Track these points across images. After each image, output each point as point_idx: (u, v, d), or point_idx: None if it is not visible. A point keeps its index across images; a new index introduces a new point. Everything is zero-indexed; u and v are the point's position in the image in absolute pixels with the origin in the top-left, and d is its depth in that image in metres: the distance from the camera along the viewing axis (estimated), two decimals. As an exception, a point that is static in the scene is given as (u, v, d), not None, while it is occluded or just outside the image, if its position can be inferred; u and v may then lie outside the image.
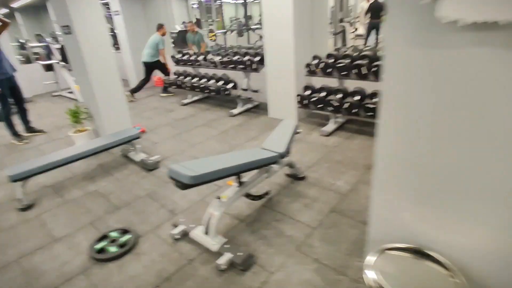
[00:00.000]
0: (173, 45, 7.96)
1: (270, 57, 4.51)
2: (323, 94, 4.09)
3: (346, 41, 10.35)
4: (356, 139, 3.95)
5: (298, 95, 4.19)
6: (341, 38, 10.42)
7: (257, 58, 4.77)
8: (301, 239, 2.36)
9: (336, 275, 2.04)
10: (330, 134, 4.13)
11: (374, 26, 9.47)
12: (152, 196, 3.03)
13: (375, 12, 9.42)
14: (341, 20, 10.24)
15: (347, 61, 3.87)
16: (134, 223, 2.66)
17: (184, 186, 1.94)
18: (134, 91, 6.65)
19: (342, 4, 9.99)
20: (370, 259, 1.30)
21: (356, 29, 10.51)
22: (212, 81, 5.32)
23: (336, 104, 3.84)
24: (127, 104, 4.27)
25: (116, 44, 7.84)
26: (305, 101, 4.15)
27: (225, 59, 5.09)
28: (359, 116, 3.81)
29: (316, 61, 4.20)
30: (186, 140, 4.34)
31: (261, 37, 11.37)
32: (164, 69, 6.46)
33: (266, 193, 2.78)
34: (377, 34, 9.63)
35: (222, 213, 2.28)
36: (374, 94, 3.76)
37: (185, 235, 2.44)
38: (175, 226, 2.48)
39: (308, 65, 4.14)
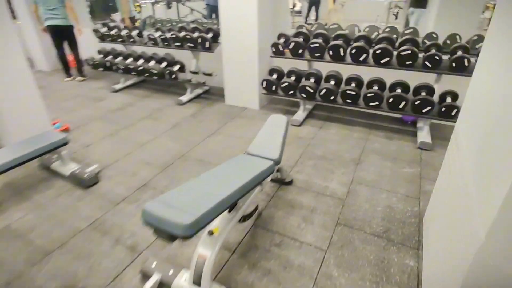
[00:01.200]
0: (90, 16, 6.50)
1: (228, 34, 3.79)
2: (293, 78, 3.58)
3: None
4: (331, 128, 3.59)
5: (264, 80, 3.61)
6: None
7: (210, 35, 4.00)
8: (315, 269, 1.88)
9: (373, 316, 1.63)
10: (301, 123, 3.69)
11: (314, 2, 9.23)
12: (99, 227, 2.20)
13: None
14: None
15: (320, 40, 3.40)
16: (79, 275, 1.85)
17: (173, 238, 1.26)
18: (67, 70, 5.32)
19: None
20: None
21: (294, 5, 10.16)
22: (152, 63, 4.36)
23: (311, 90, 3.38)
24: (40, 93, 3.13)
25: (11, 12, 6.04)
26: (273, 87, 3.60)
27: (169, 35, 4.17)
28: (336, 103, 3.43)
29: (282, 40, 3.64)
30: (129, 138, 3.43)
31: (192, 10, 10.23)
32: (75, 41, 5.14)
33: (255, 209, 2.22)
34: (317, 10, 9.43)
35: (216, 252, 1.66)
36: (351, 79, 3.40)
37: (161, 286, 1.76)
38: (146, 274, 1.77)
39: (275, 45, 3.56)
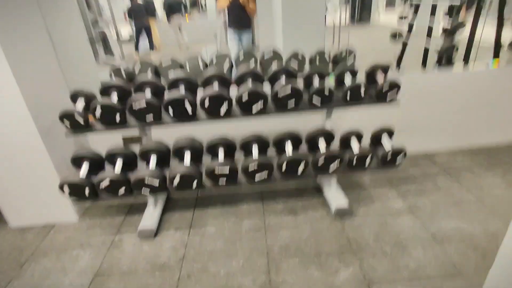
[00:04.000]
0: None
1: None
2: (119, 165, 2.05)
3: (111, 49, 8.07)
4: (208, 223, 2.24)
5: (65, 184, 1.92)
6: (102, 47, 8.04)
7: None
8: None
9: None
10: (157, 231, 2.20)
11: (142, 26, 7.66)
12: None
13: (138, 13, 7.60)
14: (95, 23, 7.81)
15: (148, 96, 2.00)
16: None
17: None
18: None
19: (89, 2, 7.56)
20: None
21: (119, 34, 8.38)
22: None
23: (155, 184, 1.93)
24: None
25: None
26: (86, 191, 1.97)
27: None
28: (204, 189, 2.09)
29: (81, 104, 2.04)
30: None
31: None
32: None
33: None
34: (149, 36, 7.90)
35: None
36: (216, 146, 2.12)
37: None
38: None
39: (67, 116, 1.93)
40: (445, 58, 3.63)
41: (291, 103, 2.01)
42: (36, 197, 2.26)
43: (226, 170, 1.94)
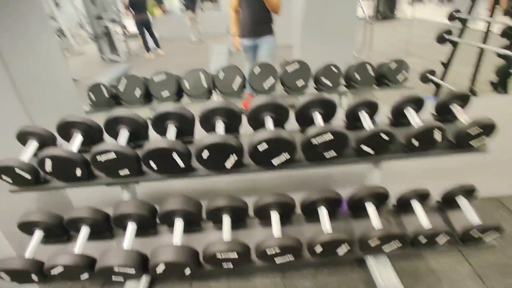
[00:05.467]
0: None
1: None
2: (82, 238, 1.45)
3: (116, 46, 7.52)
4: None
5: (1, 272, 1.35)
6: (107, 44, 7.52)
7: None
8: None
9: None
10: (140, 319, 1.60)
11: (142, 22, 7.00)
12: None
13: (138, 5, 6.89)
14: (99, 17, 7.27)
15: (122, 140, 1.40)
16: None
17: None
18: None
19: (93, -5, 7.01)
20: None
21: (125, 28, 7.81)
22: None
23: (131, 272, 1.33)
24: None
25: None
26: (36, 277, 1.39)
27: None
28: (205, 275, 1.48)
29: (31, 150, 1.45)
30: None
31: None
32: None
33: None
34: (151, 35, 7.24)
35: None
36: (220, 211, 1.49)
37: None
38: None
39: (5, 171, 1.35)
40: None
41: (331, 152, 1.36)
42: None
43: (234, 255, 1.31)
